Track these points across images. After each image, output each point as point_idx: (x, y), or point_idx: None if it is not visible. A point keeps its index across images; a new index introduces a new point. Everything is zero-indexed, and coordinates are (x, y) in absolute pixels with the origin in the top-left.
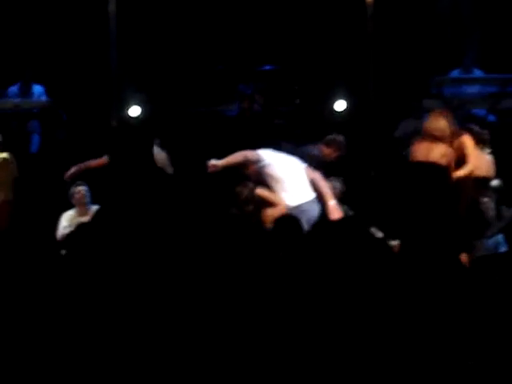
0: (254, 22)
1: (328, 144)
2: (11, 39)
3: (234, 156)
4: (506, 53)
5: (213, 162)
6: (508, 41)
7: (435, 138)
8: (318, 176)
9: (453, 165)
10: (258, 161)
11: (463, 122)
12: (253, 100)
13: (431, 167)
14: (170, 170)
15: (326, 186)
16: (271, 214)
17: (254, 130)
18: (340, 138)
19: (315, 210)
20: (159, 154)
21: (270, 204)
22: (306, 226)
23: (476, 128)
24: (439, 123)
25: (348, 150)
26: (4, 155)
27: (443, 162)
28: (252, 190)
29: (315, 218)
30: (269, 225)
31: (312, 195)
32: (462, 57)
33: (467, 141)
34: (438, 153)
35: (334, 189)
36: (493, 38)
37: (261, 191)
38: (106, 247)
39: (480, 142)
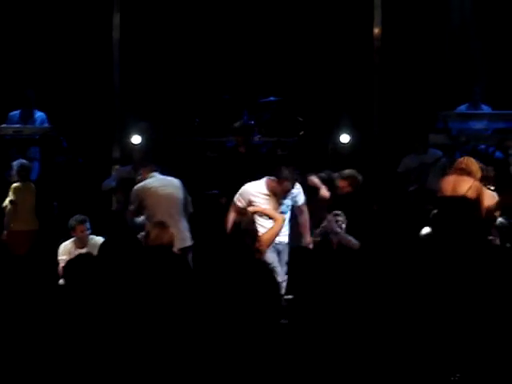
0: (260, 52)
1: (346, 178)
2: (14, 64)
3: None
4: None
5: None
6: None
7: (463, 173)
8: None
9: (482, 198)
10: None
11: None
12: (249, 132)
13: (460, 200)
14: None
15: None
16: (265, 240)
17: (252, 161)
18: (360, 177)
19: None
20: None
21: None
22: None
23: (481, 165)
24: (473, 163)
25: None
26: (29, 184)
27: (471, 195)
28: (248, 221)
29: None
30: (263, 252)
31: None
32: (469, 92)
33: None
34: (465, 186)
35: (353, 180)
36: (501, 74)
37: (256, 208)
38: (104, 278)
39: (484, 178)
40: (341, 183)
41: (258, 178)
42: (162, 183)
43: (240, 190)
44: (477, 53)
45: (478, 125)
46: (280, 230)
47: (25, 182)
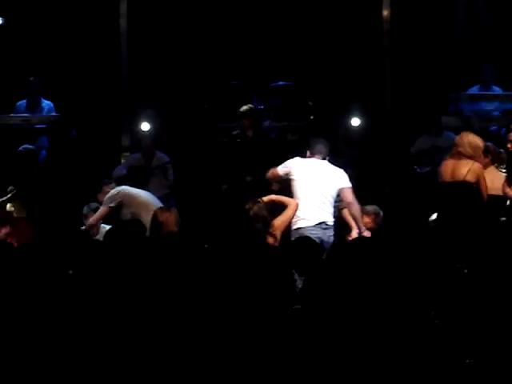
0: (268, 37)
1: (370, 214)
2: (21, 53)
3: (268, 175)
4: None
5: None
6: None
7: (461, 156)
8: (354, 201)
9: (482, 180)
10: (286, 174)
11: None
12: (257, 116)
13: (458, 185)
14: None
15: (358, 212)
16: (278, 225)
17: (260, 146)
18: (382, 212)
19: (316, 235)
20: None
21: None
22: None
23: (492, 146)
24: (471, 143)
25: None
26: None
27: (471, 178)
28: (261, 207)
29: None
30: (277, 237)
31: (317, 220)
32: (480, 74)
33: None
34: (464, 170)
35: (377, 216)
36: (511, 55)
37: (269, 197)
38: (114, 267)
39: (496, 160)
40: (365, 219)
41: (267, 163)
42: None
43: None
44: (487, 34)
45: (490, 106)
46: (294, 214)
47: None
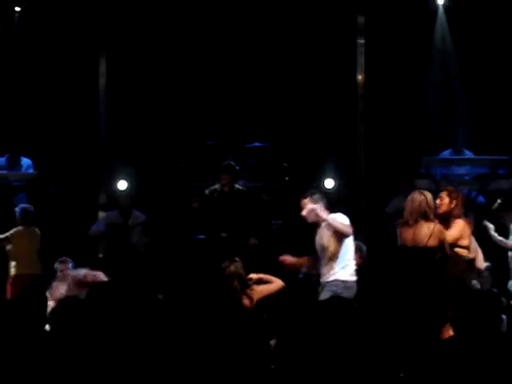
0: (245, 98)
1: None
2: None
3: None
4: (495, 135)
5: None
6: (497, 123)
7: (420, 218)
8: None
9: (443, 239)
10: None
11: None
12: (236, 174)
13: (419, 250)
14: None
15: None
16: (259, 291)
17: (236, 203)
18: (364, 247)
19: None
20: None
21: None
22: None
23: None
24: (424, 201)
25: None
26: (33, 228)
27: (431, 242)
28: (238, 267)
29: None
30: (253, 300)
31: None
32: (452, 138)
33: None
34: (426, 235)
35: (361, 252)
36: (483, 120)
37: (258, 275)
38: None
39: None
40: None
41: (241, 219)
42: None
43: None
44: (459, 99)
45: (461, 170)
46: (276, 291)
47: (29, 226)
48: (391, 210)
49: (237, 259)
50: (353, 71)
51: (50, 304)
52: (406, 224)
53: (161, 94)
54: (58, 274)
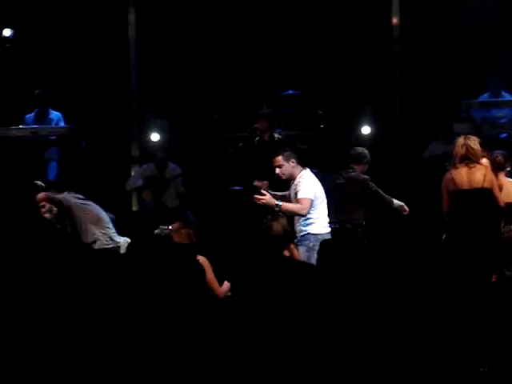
0: (277, 46)
1: None
2: (29, 65)
3: None
4: None
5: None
6: None
7: (471, 161)
8: None
9: (496, 186)
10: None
11: (492, 146)
12: (273, 122)
13: (476, 192)
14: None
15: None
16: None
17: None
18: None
19: None
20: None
21: None
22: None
23: (497, 153)
24: (474, 145)
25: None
26: None
27: (486, 185)
28: (283, 223)
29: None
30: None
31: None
32: (489, 81)
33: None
34: (480, 176)
35: None
36: None
37: None
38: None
39: (496, 167)
40: None
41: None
42: None
43: None
44: (495, 41)
45: (500, 113)
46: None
47: None
48: (428, 155)
49: (280, 214)
50: (387, 14)
51: None
52: (457, 168)
53: (192, 44)
54: None
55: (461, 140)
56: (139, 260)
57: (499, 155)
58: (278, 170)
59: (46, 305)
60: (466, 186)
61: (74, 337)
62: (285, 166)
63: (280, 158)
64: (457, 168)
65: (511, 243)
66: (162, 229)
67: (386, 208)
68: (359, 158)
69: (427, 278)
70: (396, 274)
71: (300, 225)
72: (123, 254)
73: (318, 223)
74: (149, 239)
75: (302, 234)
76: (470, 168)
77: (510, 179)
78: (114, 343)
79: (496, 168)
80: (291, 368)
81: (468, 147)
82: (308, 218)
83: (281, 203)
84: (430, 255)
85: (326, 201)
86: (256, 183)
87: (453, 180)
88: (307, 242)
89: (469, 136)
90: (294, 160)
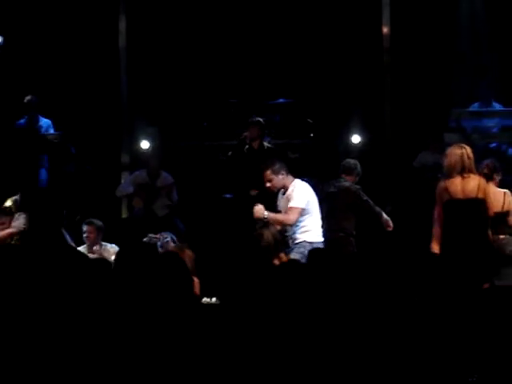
0: (269, 55)
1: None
2: (19, 72)
3: None
4: None
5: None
6: None
7: (465, 171)
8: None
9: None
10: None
11: (482, 155)
12: (264, 130)
13: (470, 202)
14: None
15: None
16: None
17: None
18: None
19: None
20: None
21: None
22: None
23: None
24: (468, 154)
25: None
26: None
27: (480, 194)
28: (273, 232)
29: None
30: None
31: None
32: (480, 91)
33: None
34: (474, 185)
35: None
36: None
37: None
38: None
39: (484, 176)
40: None
41: None
42: None
43: None
44: (486, 49)
45: (490, 122)
46: None
47: None
48: (418, 164)
49: (271, 223)
50: (378, 24)
51: None
52: (451, 178)
53: (182, 52)
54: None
55: (457, 150)
56: (128, 268)
57: (489, 165)
58: (268, 184)
59: (33, 308)
60: (460, 195)
61: (65, 342)
62: (274, 179)
63: (269, 172)
64: (452, 177)
65: (500, 252)
66: (150, 237)
67: (375, 220)
68: (351, 170)
69: (418, 287)
70: (386, 282)
71: (295, 232)
72: (112, 261)
73: (314, 231)
74: (137, 247)
75: (297, 241)
76: (463, 178)
77: (499, 189)
78: (105, 348)
79: (485, 177)
80: (279, 374)
81: (467, 157)
82: (303, 226)
83: (267, 214)
84: (421, 264)
85: (319, 209)
86: (252, 193)
87: (447, 189)
88: (302, 249)
89: (463, 145)
90: (283, 172)
